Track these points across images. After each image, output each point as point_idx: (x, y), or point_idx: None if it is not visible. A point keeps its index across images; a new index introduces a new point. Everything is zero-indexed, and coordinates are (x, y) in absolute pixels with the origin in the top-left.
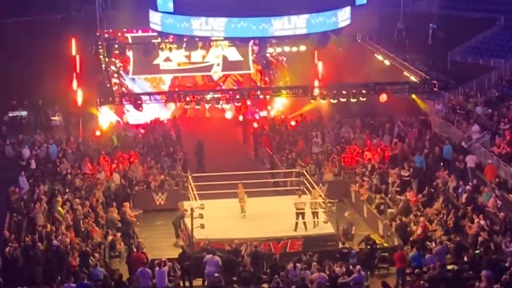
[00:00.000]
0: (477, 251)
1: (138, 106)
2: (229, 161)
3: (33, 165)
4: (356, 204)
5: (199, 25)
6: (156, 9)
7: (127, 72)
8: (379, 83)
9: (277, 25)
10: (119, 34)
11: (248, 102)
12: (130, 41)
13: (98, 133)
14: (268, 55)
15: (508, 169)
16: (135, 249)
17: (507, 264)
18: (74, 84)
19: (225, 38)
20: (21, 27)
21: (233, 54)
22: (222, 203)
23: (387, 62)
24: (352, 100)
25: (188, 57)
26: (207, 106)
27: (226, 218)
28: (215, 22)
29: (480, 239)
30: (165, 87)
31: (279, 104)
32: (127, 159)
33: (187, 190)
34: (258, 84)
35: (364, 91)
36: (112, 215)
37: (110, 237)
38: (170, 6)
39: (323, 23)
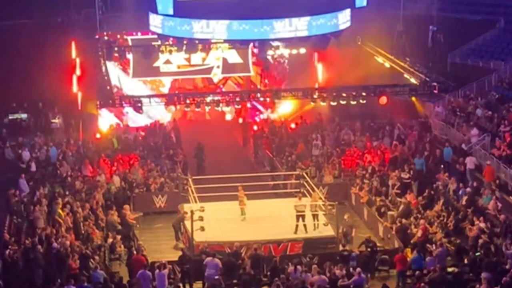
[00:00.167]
0: (477, 253)
1: (138, 109)
2: (229, 164)
3: (33, 167)
4: (356, 206)
5: (200, 28)
6: (156, 12)
7: (127, 75)
8: (379, 85)
9: (278, 27)
10: (118, 36)
11: (248, 105)
12: (130, 43)
13: (98, 135)
14: (269, 57)
15: (508, 171)
16: (135, 252)
17: (507, 266)
18: (74, 86)
19: (225, 41)
20: (22, 30)
21: (233, 57)
22: (222, 206)
23: (387, 65)
24: (352, 102)
25: (188, 59)
26: (207, 108)
27: (226, 221)
28: (217, 25)
29: (480, 241)
30: (165, 90)
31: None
32: (127, 162)
33: (187, 192)
34: (258, 86)
35: (364, 94)
36: (112, 217)
37: (110, 240)
38: (170, 9)
39: (324, 25)
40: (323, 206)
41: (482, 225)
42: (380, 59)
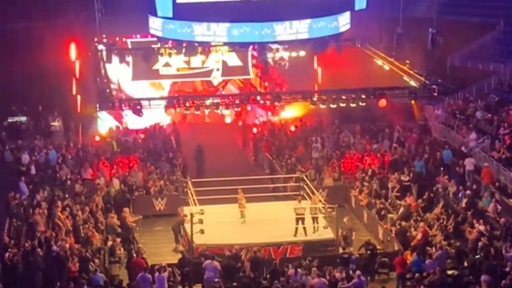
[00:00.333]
0: (477, 256)
1: (137, 112)
2: (229, 166)
3: (33, 170)
4: (356, 209)
5: (201, 31)
6: (155, 15)
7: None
8: (378, 88)
9: (279, 30)
10: (117, 38)
11: (248, 107)
12: (129, 46)
13: (97, 138)
14: (270, 60)
15: (508, 174)
16: (135, 255)
17: (507, 269)
18: (74, 89)
19: (225, 43)
20: (21, 33)
21: (233, 59)
22: (222, 209)
23: (386, 67)
24: (351, 105)
25: (188, 62)
26: (206, 111)
27: (226, 224)
28: (217, 28)
29: (480, 244)
30: (164, 93)
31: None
32: (126, 164)
33: (186, 195)
34: (258, 89)
35: (363, 96)
36: (111, 220)
37: (109, 243)
38: (170, 12)
39: (325, 27)
40: (323, 209)
41: (482, 227)
42: (379, 62)
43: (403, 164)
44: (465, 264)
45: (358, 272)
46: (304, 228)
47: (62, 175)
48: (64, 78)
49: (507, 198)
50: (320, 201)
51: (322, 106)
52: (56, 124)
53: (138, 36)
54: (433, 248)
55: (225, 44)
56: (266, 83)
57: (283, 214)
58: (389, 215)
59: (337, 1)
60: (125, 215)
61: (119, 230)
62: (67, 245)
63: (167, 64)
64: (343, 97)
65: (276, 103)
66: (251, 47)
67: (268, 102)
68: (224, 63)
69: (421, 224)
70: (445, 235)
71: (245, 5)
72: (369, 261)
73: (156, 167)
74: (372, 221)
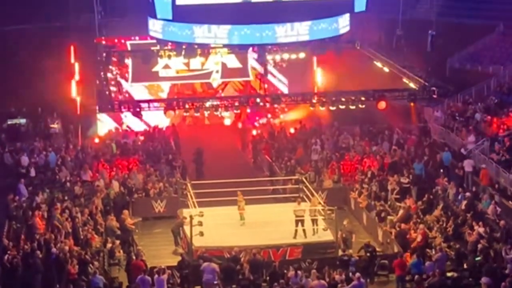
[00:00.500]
0: (477, 258)
1: (137, 114)
2: (228, 169)
3: (32, 172)
4: (355, 211)
5: (202, 33)
6: (155, 17)
7: (125, 79)
8: (378, 90)
9: (280, 32)
10: (116, 40)
11: (248, 110)
12: (129, 48)
13: (96, 140)
14: (271, 62)
15: (508, 176)
16: (134, 257)
17: (507, 271)
18: (73, 91)
19: (224, 45)
20: (21, 35)
21: (232, 61)
22: (221, 211)
23: (386, 69)
24: (351, 107)
25: (187, 64)
26: (206, 113)
27: (225, 226)
28: (218, 30)
29: (479, 246)
30: (163, 95)
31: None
32: (126, 167)
33: (186, 197)
34: (258, 91)
35: (363, 98)
36: (111, 222)
37: (109, 245)
38: (169, 14)
39: (325, 29)
40: (322, 211)
41: (481, 230)
42: (379, 64)
43: (402, 166)
44: (465, 266)
45: (357, 274)
46: (304, 230)
47: (62, 177)
48: (64, 80)
49: (506, 200)
50: (320, 203)
51: (321, 108)
52: (56, 126)
53: (137, 38)
54: (433, 250)
55: (224, 46)
56: (266, 85)
57: (283, 216)
58: (389, 217)
59: (337, 3)
60: (124, 217)
61: (119, 232)
62: (67, 247)
63: (166, 66)
64: (343, 99)
65: (276, 105)
66: (250, 49)
67: (267, 104)
68: (224, 65)
69: (421, 226)
70: (445, 237)
71: (245, 7)
72: (369, 263)
73: (155, 169)
74: (372, 223)
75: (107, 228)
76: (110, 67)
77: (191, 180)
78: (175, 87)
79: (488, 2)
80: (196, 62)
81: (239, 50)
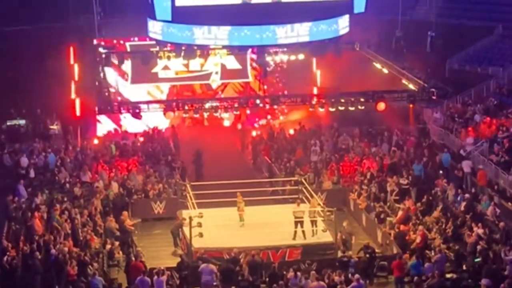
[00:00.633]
0: (477, 259)
1: (136, 115)
2: (228, 170)
3: (32, 174)
4: (354, 212)
5: (202, 34)
6: (154, 18)
7: (125, 80)
8: (377, 91)
9: (280, 33)
10: (115, 41)
11: (248, 111)
12: (128, 49)
13: (96, 141)
14: (272, 63)
15: (507, 178)
16: (133, 258)
17: (506, 273)
18: (72, 92)
19: (224, 47)
20: (20, 36)
21: (232, 63)
22: (221, 212)
23: (385, 70)
24: (350, 108)
25: (187, 65)
26: (205, 115)
27: (224, 227)
28: (218, 31)
29: (478, 247)
30: (163, 96)
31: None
32: (125, 168)
33: (185, 198)
34: (257, 92)
35: (362, 100)
36: (110, 224)
37: (108, 246)
38: (169, 15)
39: (325, 30)
40: (322, 212)
41: (480, 231)
42: (378, 65)
43: (402, 167)
44: (464, 267)
45: (357, 275)
46: (303, 232)
47: (61, 178)
48: (63, 81)
49: (506, 201)
50: (319, 204)
51: (321, 110)
52: (55, 127)
53: (136, 39)
54: (432, 251)
55: (224, 47)
56: (265, 87)
57: (282, 218)
58: (388, 219)
59: (336, 4)
60: (124, 218)
61: (118, 233)
62: (66, 249)
63: (166, 67)
64: (342, 100)
65: (275, 107)
66: (250, 50)
67: (267, 105)
68: (223, 66)
69: (420, 227)
70: (444, 238)
71: (245, 9)
72: (368, 264)
73: (155, 170)
74: (371, 225)
75: (106, 229)
76: (109, 68)
77: (191, 181)
78: (175, 88)
79: (487, 3)
80: (195, 63)
81: (238, 51)
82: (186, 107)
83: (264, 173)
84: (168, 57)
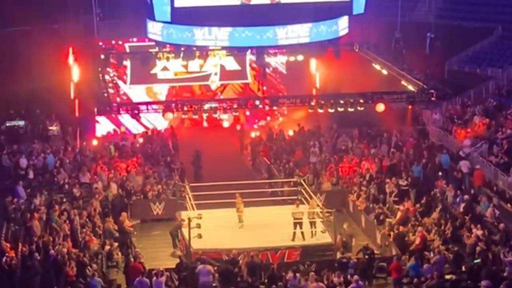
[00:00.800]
0: (476, 261)
1: (135, 116)
2: (227, 171)
3: (31, 175)
4: (354, 214)
5: (202, 35)
6: (153, 19)
7: (123, 81)
8: (376, 92)
9: (281, 34)
10: (114, 42)
11: (247, 112)
12: (127, 50)
13: (95, 142)
14: (273, 64)
15: (506, 179)
16: (132, 259)
17: (505, 274)
18: (72, 93)
19: (223, 48)
20: (19, 36)
21: (231, 64)
22: (220, 213)
23: (384, 72)
24: (349, 109)
25: (186, 66)
26: (204, 116)
27: (223, 228)
28: (219, 32)
29: (477, 248)
30: (162, 97)
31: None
32: (124, 169)
33: (184, 200)
34: (256, 93)
35: (361, 101)
36: (109, 225)
37: (107, 247)
38: (168, 16)
39: (326, 31)
40: (321, 213)
41: (479, 232)
42: (377, 66)
43: (401, 168)
44: (463, 268)
45: (356, 276)
46: (302, 233)
47: (60, 179)
48: (62, 82)
49: (505, 203)
50: (318, 205)
51: (320, 111)
52: (54, 128)
53: (135, 40)
54: (431, 252)
55: (223, 48)
56: (265, 87)
57: (281, 219)
58: (387, 220)
59: (336, 5)
60: (123, 219)
61: (117, 234)
62: (65, 250)
63: (165, 68)
64: (341, 102)
65: (275, 108)
66: (249, 51)
67: (266, 106)
68: (222, 67)
69: (419, 228)
70: (443, 239)
71: (245, 10)
72: (367, 265)
73: (154, 171)
74: (370, 226)
75: (105, 230)
76: (108, 69)
77: (190, 182)
78: (174, 89)
79: (486, 4)
80: (194, 64)
81: (238, 52)
82: (185, 108)
83: (263, 174)
84: (167, 58)
